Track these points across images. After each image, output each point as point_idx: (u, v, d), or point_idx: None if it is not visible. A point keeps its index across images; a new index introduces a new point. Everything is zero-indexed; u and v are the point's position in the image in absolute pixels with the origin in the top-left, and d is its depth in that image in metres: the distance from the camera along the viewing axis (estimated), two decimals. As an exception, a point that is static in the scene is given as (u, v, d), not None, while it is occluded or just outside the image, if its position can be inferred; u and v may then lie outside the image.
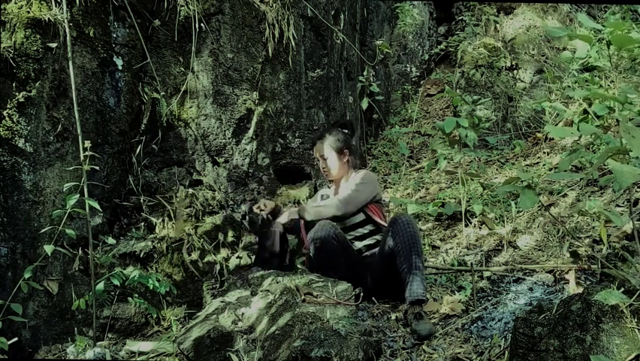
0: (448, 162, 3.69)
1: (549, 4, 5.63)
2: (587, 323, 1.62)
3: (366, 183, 2.89)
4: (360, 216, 2.90)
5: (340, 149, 2.95)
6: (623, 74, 4.43)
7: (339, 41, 4.32)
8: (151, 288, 2.70)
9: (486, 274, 2.95)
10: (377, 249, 2.83)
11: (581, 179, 3.54)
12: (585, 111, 3.29)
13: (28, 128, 2.57)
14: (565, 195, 3.56)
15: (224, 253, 3.16)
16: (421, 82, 6.53)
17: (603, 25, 2.09)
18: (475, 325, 2.41)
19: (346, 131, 3.05)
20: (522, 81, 5.30)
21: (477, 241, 3.45)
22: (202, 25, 3.31)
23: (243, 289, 2.73)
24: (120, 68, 3.07)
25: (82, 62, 2.86)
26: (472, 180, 3.90)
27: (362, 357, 2.04)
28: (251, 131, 3.51)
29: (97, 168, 2.68)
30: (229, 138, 3.45)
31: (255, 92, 3.53)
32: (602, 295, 1.58)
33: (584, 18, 1.95)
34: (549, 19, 5.63)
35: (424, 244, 3.47)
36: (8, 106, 2.52)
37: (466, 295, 2.71)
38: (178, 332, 2.54)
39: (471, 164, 4.66)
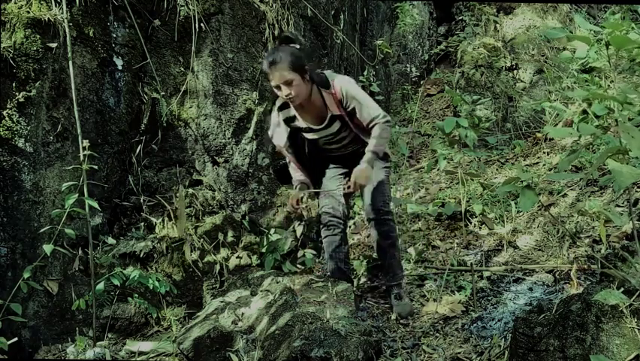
0: (448, 162, 3.69)
1: (549, 4, 5.63)
2: (587, 323, 1.62)
3: (362, 91, 2.66)
4: (337, 125, 2.70)
5: (302, 68, 2.52)
6: (622, 74, 4.43)
7: (339, 41, 4.32)
8: (151, 288, 2.70)
9: (486, 274, 2.95)
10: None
11: (580, 179, 3.54)
12: (585, 111, 3.29)
13: (28, 128, 2.57)
14: (565, 195, 3.56)
15: (224, 253, 3.16)
16: (421, 82, 6.53)
17: (602, 27, 2.10)
18: (475, 325, 2.41)
19: (298, 46, 2.64)
20: (522, 81, 5.30)
21: (477, 241, 3.45)
22: (202, 25, 3.31)
23: (243, 289, 2.73)
24: (120, 68, 3.07)
25: (82, 62, 2.86)
26: (472, 180, 3.90)
27: (362, 357, 2.05)
28: (251, 131, 3.51)
29: (97, 168, 2.68)
30: (229, 138, 3.45)
31: (254, 92, 3.53)
32: (602, 295, 1.58)
33: (580, 20, 1.95)
34: (549, 19, 5.63)
35: (424, 245, 3.47)
36: (8, 106, 2.51)
37: (466, 295, 2.72)
38: (178, 332, 2.54)
39: (471, 164, 4.66)
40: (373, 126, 2.62)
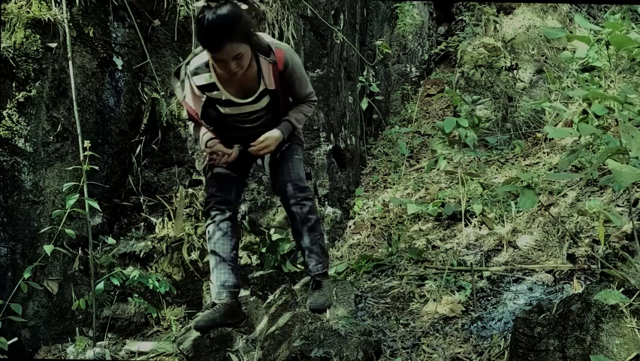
0: (448, 162, 3.69)
1: (549, 4, 5.63)
2: (587, 323, 1.62)
3: (302, 69, 2.32)
4: (266, 101, 2.29)
5: (250, 34, 2.06)
6: (622, 74, 4.43)
7: (339, 41, 4.32)
8: (151, 288, 2.70)
9: (486, 274, 2.95)
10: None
11: (580, 179, 3.54)
12: (585, 111, 3.29)
13: (28, 128, 2.57)
14: (565, 195, 3.56)
15: (224, 253, 3.16)
16: (421, 82, 6.53)
17: (602, 26, 2.10)
18: (475, 325, 2.41)
19: (244, 5, 2.11)
20: (522, 81, 5.30)
21: (477, 241, 3.45)
22: (202, 25, 3.31)
23: (243, 289, 2.73)
24: (120, 68, 3.07)
25: (82, 62, 2.86)
26: (472, 180, 3.90)
27: (362, 357, 2.04)
28: (251, 131, 3.51)
29: (97, 168, 2.68)
30: (229, 138, 3.45)
31: (254, 92, 3.53)
32: (602, 295, 1.59)
33: (580, 19, 1.95)
34: (549, 19, 5.63)
35: (424, 245, 3.47)
36: (8, 106, 2.52)
37: (466, 295, 2.72)
38: (178, 332, 2.54)
39: (471, 164, 4.66)
40: (304, 102, 2.34)
